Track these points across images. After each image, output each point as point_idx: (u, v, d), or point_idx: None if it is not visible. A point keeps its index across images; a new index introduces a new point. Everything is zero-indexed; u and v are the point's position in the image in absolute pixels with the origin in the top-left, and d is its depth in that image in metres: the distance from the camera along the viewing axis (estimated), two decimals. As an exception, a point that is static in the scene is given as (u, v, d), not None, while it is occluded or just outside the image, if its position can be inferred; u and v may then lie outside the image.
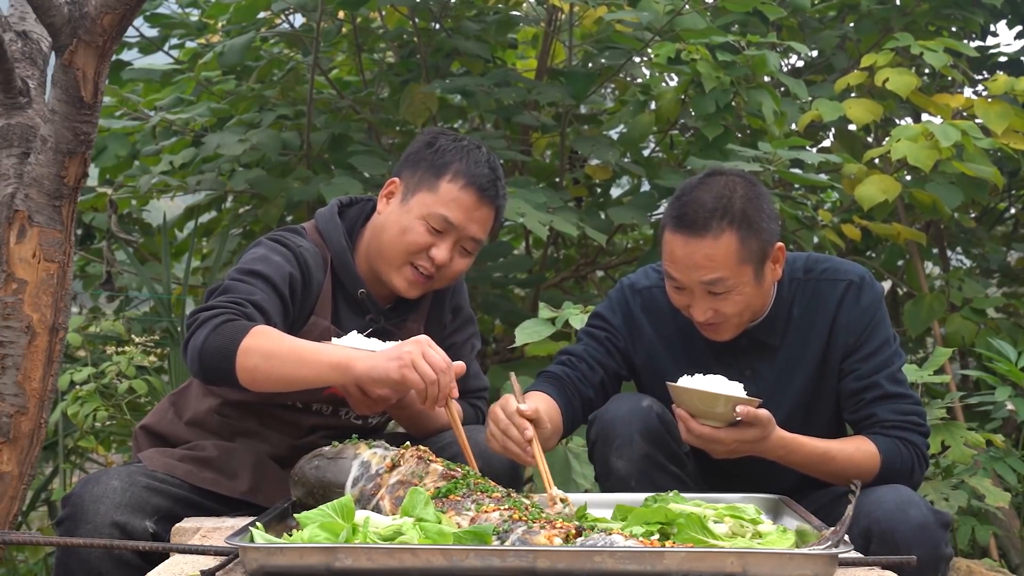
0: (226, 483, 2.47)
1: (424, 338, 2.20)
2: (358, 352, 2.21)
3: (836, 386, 2.58)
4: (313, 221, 2.60)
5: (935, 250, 5.12)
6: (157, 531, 2.30)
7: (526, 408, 2.29)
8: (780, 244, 2.51)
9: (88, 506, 2.27)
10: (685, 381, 2.35)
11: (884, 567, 1.97)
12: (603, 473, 2.55)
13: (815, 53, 5.10)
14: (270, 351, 2.23)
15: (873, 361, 2.54)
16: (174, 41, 5.26)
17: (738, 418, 2.31)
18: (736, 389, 2.33)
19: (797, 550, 1.85)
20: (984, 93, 4.78)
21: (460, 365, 2.20)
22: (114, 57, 3.85)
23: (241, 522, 2.15)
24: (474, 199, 2.48)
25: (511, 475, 2.47)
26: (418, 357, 2.14)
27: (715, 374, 2.37)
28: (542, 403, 2.48)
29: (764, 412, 2.33)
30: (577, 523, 1.88)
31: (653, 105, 4.51)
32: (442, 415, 2.60)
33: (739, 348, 2.58)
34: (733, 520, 2.06)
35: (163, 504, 2.36)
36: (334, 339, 2.35)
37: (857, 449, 2.47)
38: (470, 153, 2.51)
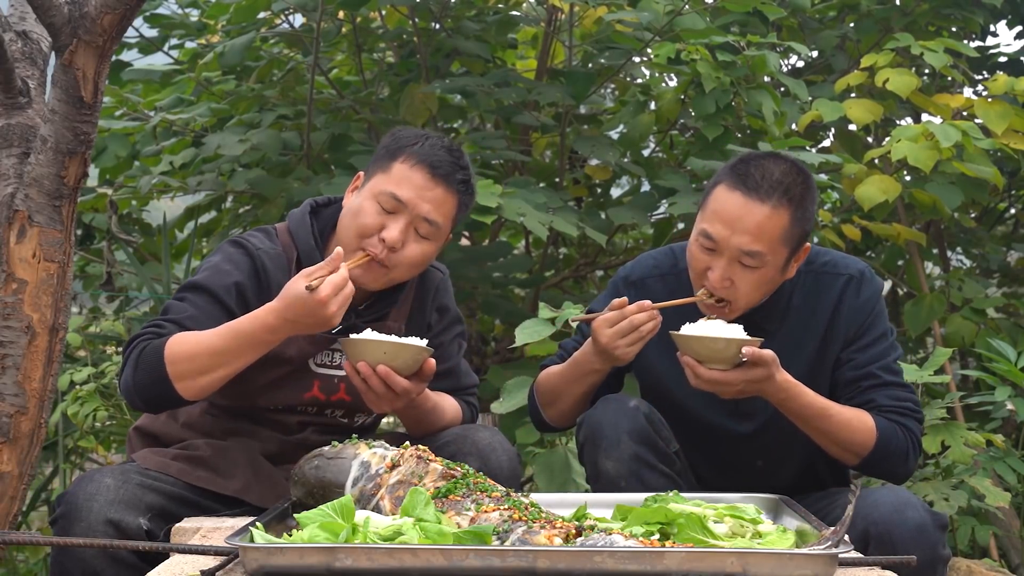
0: (219, 481, 2.46)
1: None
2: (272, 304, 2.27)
3: (830, 379, 2.60)
4: (285, 222, 2.60)
5: (935, 250, 5.11)
6: (151, 528, 2.30)
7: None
8: (808, 245, 2.54)
9: (82, 504, 2.26)
10: (687, 329, 2.40)
11: (884, 567, 1.97)
12: (593, 475, 2.56)
13: (815, 53, 5.09)
14: (192, 352, 2.29)
15: (870, 352, 2.56)
16: (174, 41, 5.26)
17: (743, 359, 2.34)
18: (737, 331, 2.37)
19: (797, 550, 1.85)
20: (984, 93, 4.77)
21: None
22: (114, 57, 3.86)
23: (241, 522, 2.15)
24: (425, 177, 2.45)
25: (511, 475, 2.47)
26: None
27: None
28: None
29: (768, 352, 2.37)
30: (576, 523, 1.88)
31: (653, 105, 4.50)
32: (444, 415, 2.60)
33: None
34: (733, 520, 2.06)
35: (157, 501, 2.35)
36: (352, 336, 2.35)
37: (856, 417, 2.50)
38: (428, 139, 2.51)
